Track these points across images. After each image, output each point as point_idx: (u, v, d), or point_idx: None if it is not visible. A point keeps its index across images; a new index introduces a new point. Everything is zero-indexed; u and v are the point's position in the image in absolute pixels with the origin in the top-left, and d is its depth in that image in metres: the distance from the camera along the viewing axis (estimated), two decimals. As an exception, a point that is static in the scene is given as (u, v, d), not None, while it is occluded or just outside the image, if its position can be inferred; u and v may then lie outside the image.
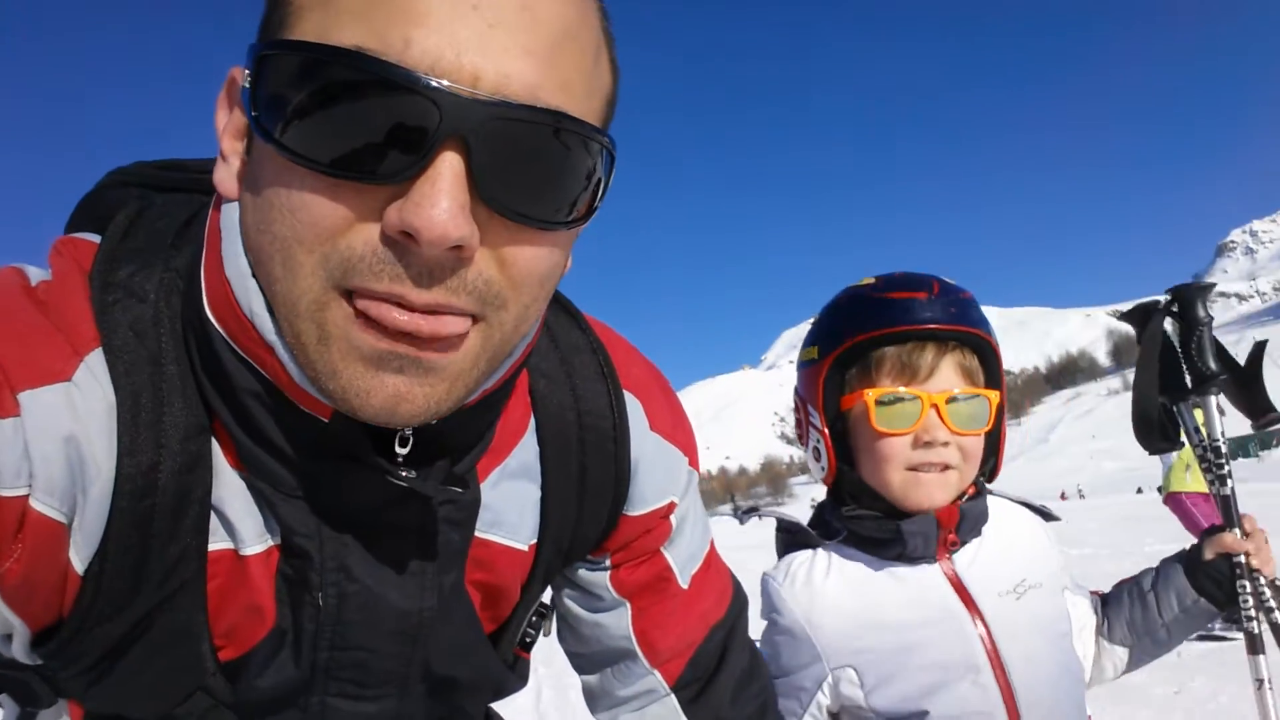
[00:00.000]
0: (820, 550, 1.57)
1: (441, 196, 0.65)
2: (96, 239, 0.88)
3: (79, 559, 0.78)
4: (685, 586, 1.19)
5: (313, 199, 0.68)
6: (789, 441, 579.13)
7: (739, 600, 1.28)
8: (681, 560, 1.19)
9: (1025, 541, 1.60)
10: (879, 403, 1.47)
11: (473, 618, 1.02)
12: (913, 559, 1.50)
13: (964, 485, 1.52)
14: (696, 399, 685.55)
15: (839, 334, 1.55)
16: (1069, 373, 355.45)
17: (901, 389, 1.47)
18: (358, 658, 0.90)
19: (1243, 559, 1.63)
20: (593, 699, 1.26)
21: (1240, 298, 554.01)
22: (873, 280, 1.60)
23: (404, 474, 0.80)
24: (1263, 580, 1.63)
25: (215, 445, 0.84)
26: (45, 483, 0.74)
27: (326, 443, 0.79)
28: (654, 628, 1.17)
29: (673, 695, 1.19)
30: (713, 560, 1.26)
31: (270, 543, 0.86)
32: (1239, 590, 1.63)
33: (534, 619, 1.14)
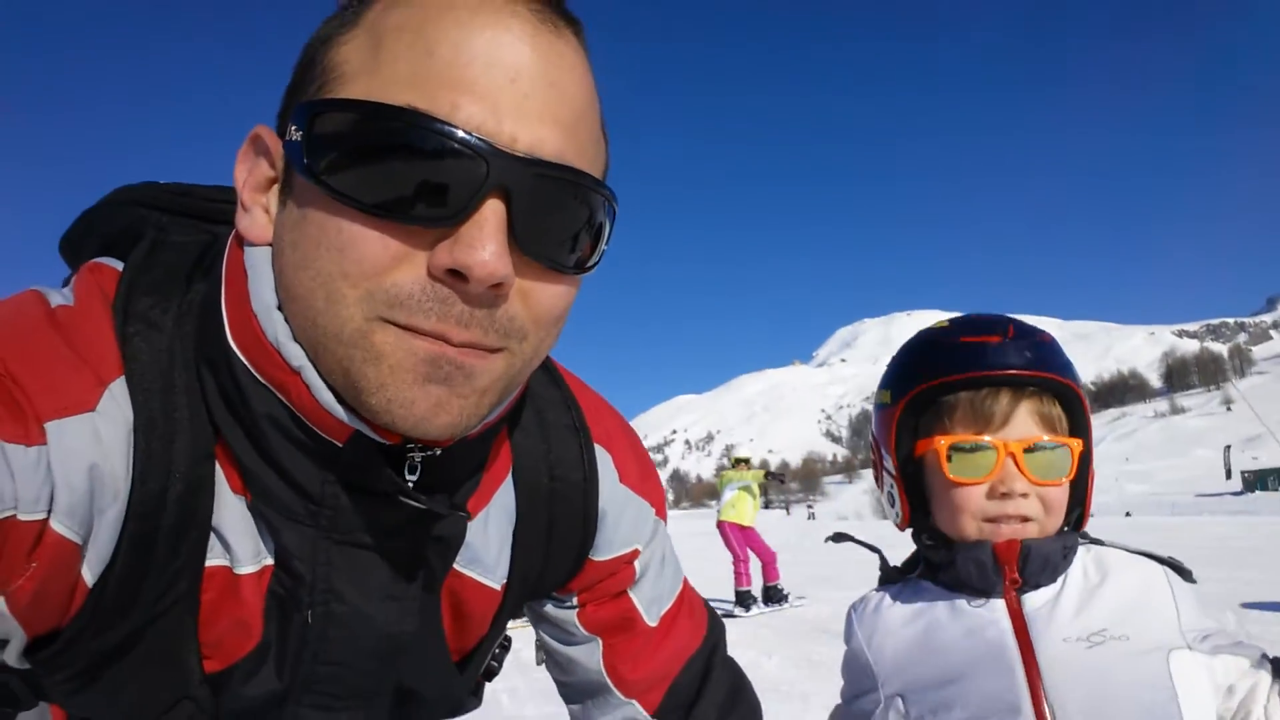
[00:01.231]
0: (900, 584, 1.56)
1: (490, 239, 0.74)
2: (118, 265, 0.93)
3: (90, 574, 0.81)
4: (653, 625, 1.24)
5: (361, 238, 0.74)
6: (834, 439, 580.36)
7: (714, 631, 1.34)
8: (647, 601, 1.24)
9: (1128, 593, 1.40)
10: (953, 449, 1.41)
11: (443, 644, 1.07)
12: (976, 590, 1.42)
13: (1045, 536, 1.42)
14: (746, 390, 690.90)
15: (911, 378, 1.49)
16: (1118, 392, 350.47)
17: (976, 436, 1.41)
18: (335, 672, 0.94)
19: None
20: None
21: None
22: (947, 323, 1.55)
23: (412, 491, 0.86)
24: None
25: (219, 472, 0.88)
26: (65, 506, 0.76)
27: (338, 468, 0.85)
28: (624, 663, 1.22)
29: None
30: (685, 598, 1.31)
31: (264, 562, 0.90)
32: None
33: (497, 651, 1.22)
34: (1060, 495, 1.42)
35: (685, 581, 1.33)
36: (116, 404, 0.82)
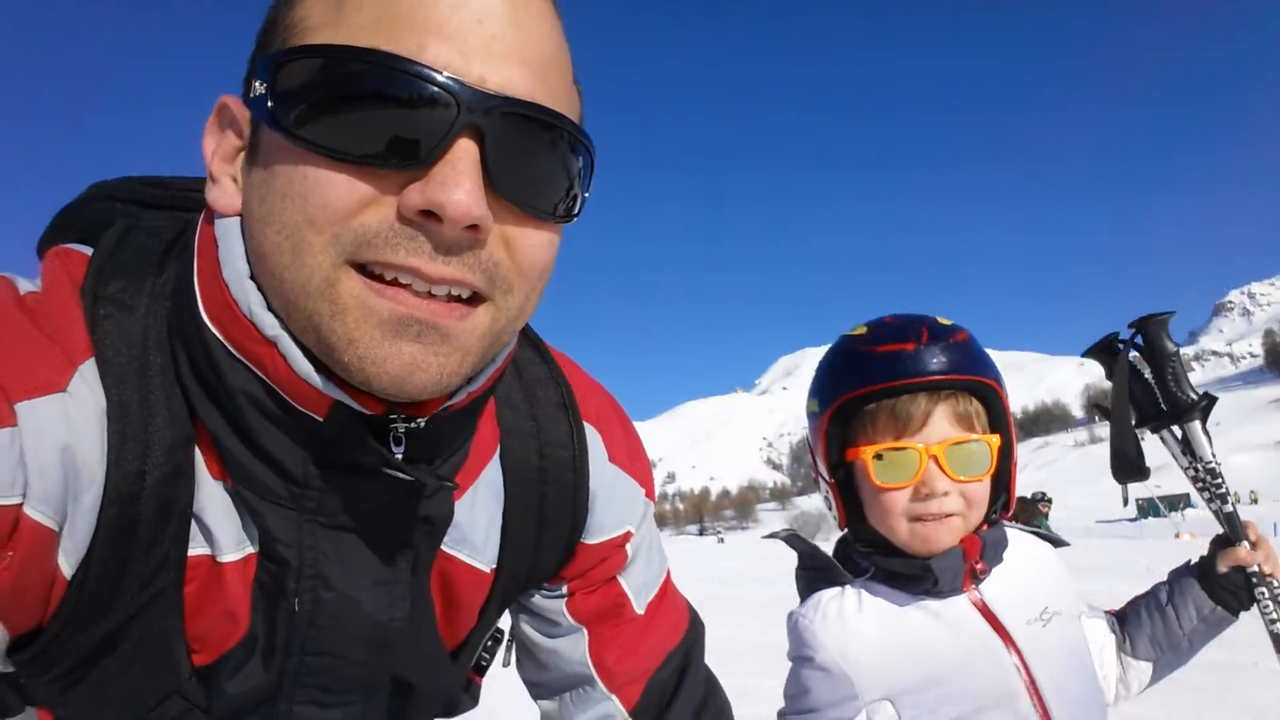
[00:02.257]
0: (849, 587, 1.58)
1: (463, 178, 0.72)
2: (87, 251, 0.91)
3: (67, 564, 0.80)
4: (640, 613, 1.23)
5: (326, 182, 0.73)
6: (774, 467, 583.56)
7: (695, 628, 1.32)
8: (636, 587, 1.23)
9: (1043, 570, 1.63)
10: (876, 457, 1.48)
11: (435, 630, 1.05)
12: (941, 592, 1.51)
13: (970, 529, 1.52)
14: (688, 418, 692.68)
15: (834, 389, 1.57)
16: (1043, 421, 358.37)
17: (897, 442, 1.48)
18: (327, 664, 0.92)
19: (1256, 568, 1.69)
20: None
21: (1233, 358, 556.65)
22: (864, 330, 1.60)
23: (398, 462, 0.83)
24: (1277, 584, 1.70)
25: (199, 456, 0.86)
26: (39, 491, 0.75)
27: (319, 444, 0.83)
28: (610, 653, 1.20)
29: None
30: (668, 589, 1.30)
31: (248, 550, 0.89)
32: (1259, 598, 1.70)
33: (489, 643, 1.19)
34: (982, 490, 1.51)
35: (668, 570, 1.31)
36: (87, 386, 0.80)
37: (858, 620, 1.52)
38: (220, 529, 0.87)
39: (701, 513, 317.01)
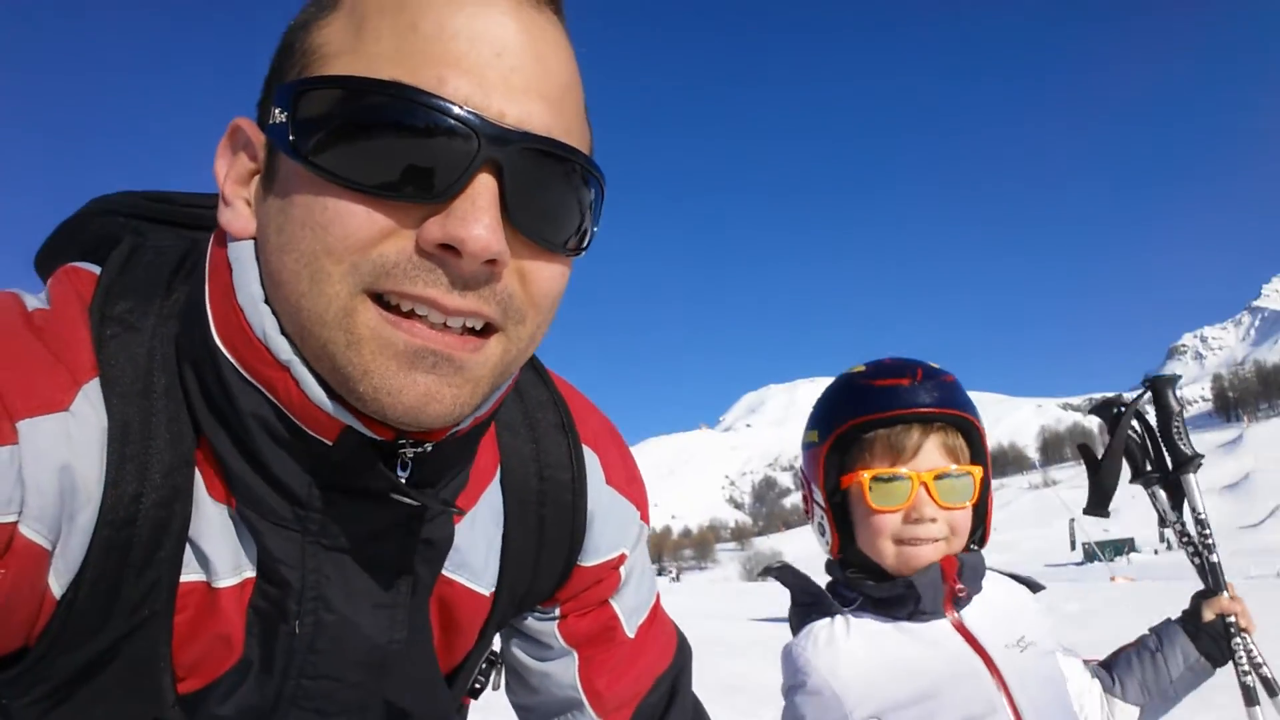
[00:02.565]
0: (838, 616, 1.67)
1: (483, 214, 0.73)
2: (95, 270, 0.91)
3: (58, 584, 0.79)
4: (631, 636, 1.23)
5: (346, 214, 0.73)
6: (736, 505, 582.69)
7: (683, 653, 1.33)
8: (628, 611, 1.23)
9: (1020, 606, 1.75)
10: (875, 480, 1.61)
11: (432, 655, 1.04)
12: (924, 614, 1.62)
13: (952, 554, 1.64)
14: (651, 455, 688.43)
15: (835, 419, 1.69)
16: (999, 464, 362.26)
17: (892, 468, 1.60)
18: (325, 687, 0.91)
19: (1234, 619, 1.83)
20: None
21: (1185, 402, 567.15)
22: (863, 368, 1.75)
23: (406, 487, 0.84)
24: (1249, 639, 1.83)
25: (199, 479, 0.86)
26: (35, 510, 0.75)
27: (327, 468, 0.83)
28: (600, 677, 1.20)
29: None
30: (658, 612, 1.30)
31: (246, 575, 0.88)
32: (1234, 648, 1.82)
33: (484, 666, 1.19)
34: (965, 519, 1.66)
35: (658, 595, 1.32)
36: (91, 406, 0.80)
37: (847, 644, 1.61)
38: (217, 553, 0.87)
39: (661, 552, 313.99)
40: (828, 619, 1.67)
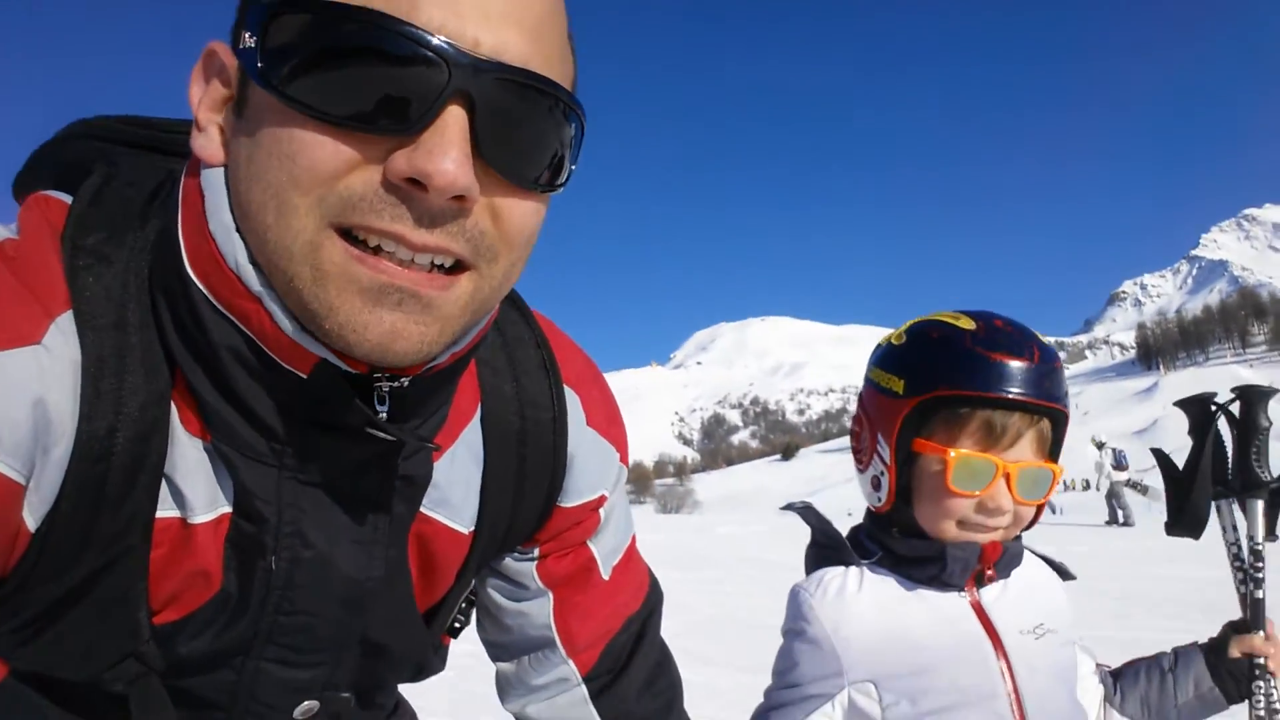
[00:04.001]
0: (853, 568, 1.60)
1: (451, 147, 0.71)
2: (67, 199, 0.89)
3: (32, 518, 0.79)
4: (606, 578, 1.23)
5: (313, 144, 0.71)
6: (685, 442, 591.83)
7: (654, 595, 1.33)
8: (605, 553, 1.24)
9: (1045, 590, 1.67)
10: (962, 462, 1.49)
11: (410, 592, 1.04)
12: (945, 584, 1.55)
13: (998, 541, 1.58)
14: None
15: (930, 379, 1.53)
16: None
17: (983, 453, 1.49)
18: (301, 622, 0.92)
19: (1263, 661, 1.70)
20: (506, 687, 1.29)
21: (1122, 347, 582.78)
22: (973, 326, 1.55)
23: (381, 422, 0.83)
24: (1275, 683, 1.71)
25: (174, 413, 0.85)
26: (8, 444, 0.74)
27: (302, 401, 0.82)
28: (574, 617, 1.21)
29: (583, 686, 1.22)
30: (633, 553, 1.31)
31: (222, 510, 0.88)
32: (1255, 690, 1.70)
33: (464, 605, 1.19)
34: (1030, 514, 1.54)
35: (633, 536, 1.32)
36: (64, 338, 0.78)
37: (856, 601, 1.55)
38: (192, 489, 0.86)
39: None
40: (841, 568, 1.61)
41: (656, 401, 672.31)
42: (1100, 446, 19.66)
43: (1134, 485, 18.40)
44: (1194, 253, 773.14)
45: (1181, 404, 1.88)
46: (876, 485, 1.61)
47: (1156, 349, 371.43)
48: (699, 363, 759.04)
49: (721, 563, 13.30)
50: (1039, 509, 1.58)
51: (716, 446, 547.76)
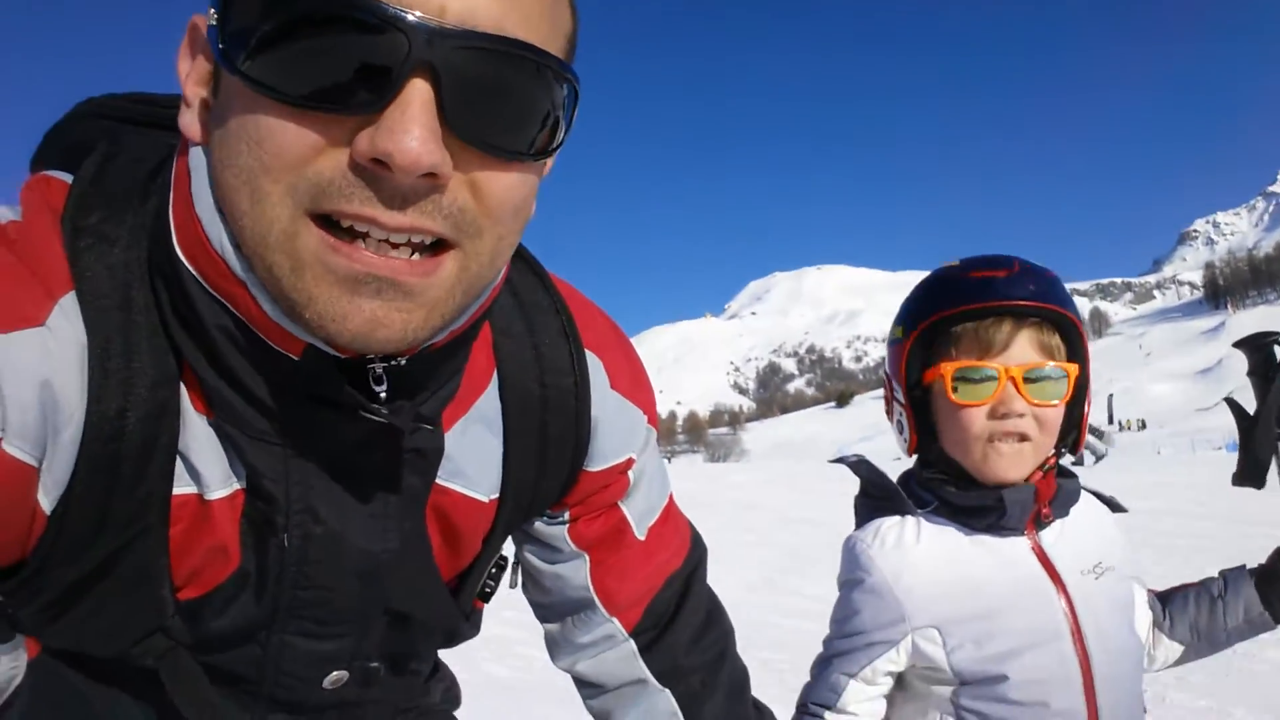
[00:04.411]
0: (909, 517, 1.61)
1: (412, 124, 0.67)
2: (68, 178, 0.87)
3: (47, 500, 0.79)
4: (642, 538, 1.24)
5: (279, 129, 0.69)
6: (741, 391, 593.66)
7: (697, 550, 1.33)
8: (638, 514, 1.24)
9: (1101, 527, 1.69)
10: (957, 375, 1.53)
11: (430, 562, 1.05)
12: (1003, 530, 1.57)
13: (1041, 457, 1.57)
14: (657, 342, 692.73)
15: (921, 312, 1.61)
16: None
17: (979, 362, 1.52)
18: (319, 596, 0.92)
19: None
20: (554, 647, 1.31)
21: (1192, 286, 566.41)
22: (957, 262, 1.65)
23: (376, 406, 0.81)
24: None
25: (184, 393, 0.85)
26: (18, 427, 0.74)
27: (297, 382, 0.81)
28: (611, 578, 1.22)
29: (630, 641, 1.23)
30: (671, 512, 1.30)
31: (235, 486, 0.88)
32: None
33: (494, 570, 1.18)
34: (1055, 416, 1.54)
35: (671, 495, 1.32)
36: (68, 320, 0.78)
37: (915, 550, 1.56)
38: (207, 466, 0.86)
39: (659, 437, 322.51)
40: (898, 518, 1.61)
41: (712, 352, 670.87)
42: None
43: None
44: (1270, 189, 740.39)
45: (1240, 344, 1.82)
46: (901, 429, 1.67)
47: (1225, 288, 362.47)
48: (754, 313, 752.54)
49: (720, 510, 14.64)
50: (1080, 430, 1.63)
51: (771, 395, 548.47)
